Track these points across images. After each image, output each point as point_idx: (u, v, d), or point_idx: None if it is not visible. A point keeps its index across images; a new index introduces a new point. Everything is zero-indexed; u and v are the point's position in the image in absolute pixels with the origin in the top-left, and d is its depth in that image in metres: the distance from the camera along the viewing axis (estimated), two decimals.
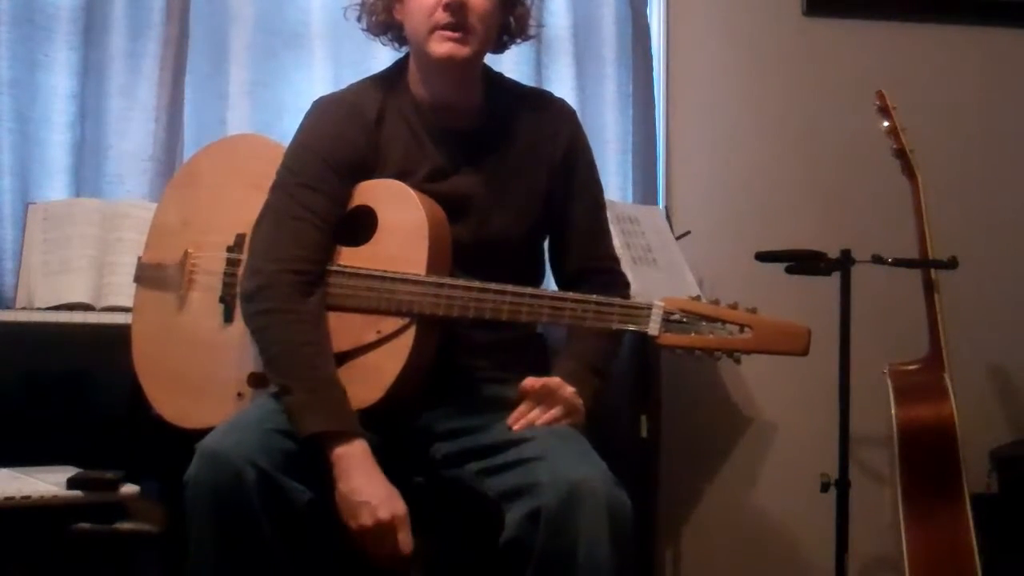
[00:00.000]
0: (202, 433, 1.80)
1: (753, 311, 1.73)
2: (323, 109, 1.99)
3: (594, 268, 2.04)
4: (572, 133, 2.04)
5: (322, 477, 1.74)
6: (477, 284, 1.81)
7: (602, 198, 2.10)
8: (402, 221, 1.86)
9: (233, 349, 1.92)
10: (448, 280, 1.82)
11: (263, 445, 1.69)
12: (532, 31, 2.06)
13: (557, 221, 2.02)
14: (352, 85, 2.04)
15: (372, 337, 1.82)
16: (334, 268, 1.87)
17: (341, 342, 1.83)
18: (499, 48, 2.03)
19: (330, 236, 1.88)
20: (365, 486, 1.72)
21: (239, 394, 1.89)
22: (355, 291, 1.85)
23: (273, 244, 1.86)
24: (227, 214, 2.01)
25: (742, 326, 1.71)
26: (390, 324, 1.82)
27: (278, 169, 1.93)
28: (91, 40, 2.68)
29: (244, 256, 1.93)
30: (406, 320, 1.82)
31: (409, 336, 1.81)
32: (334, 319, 1.84)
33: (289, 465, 1.71)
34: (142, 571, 2.31)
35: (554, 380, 1.84)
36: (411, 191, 1.87)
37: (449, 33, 1.87)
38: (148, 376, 2.01)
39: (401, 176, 1.91)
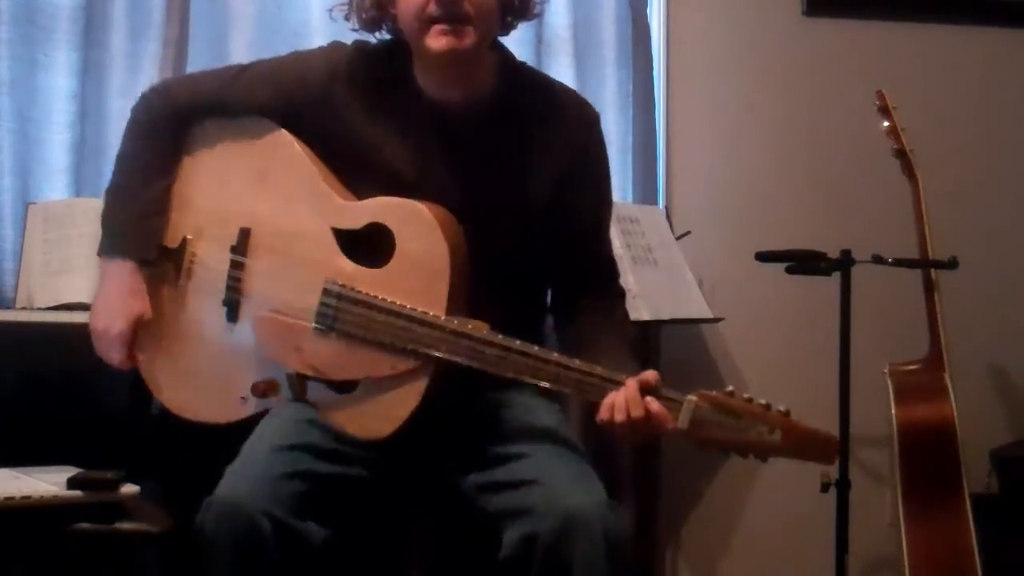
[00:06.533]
0: (202, 426, 1.78)
1: (786, 413, 1.67)
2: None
3: (592, 295, 1.92)
4: (585, 144, 1.89)
5: (337, 512, 1.72)
6: (500, 340, 1.70)
7: (608, 217, 1.96)
8: (422, 253, 1.75)
9: (239, 353, 1.88)
10: (470, 333, 1.71)
11: (276, 493, 1.65)
12: (537, 8, 1.87)
13: (556, 235, 1.89)
14: (361, 50, 1.90)
15: (386, 371, 1.75)
16: (350, 294, 1.78)
17: (353, 370, 1.78)
18: (504, 29, 1.86)
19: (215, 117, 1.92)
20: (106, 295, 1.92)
21: (243, 398, 1.86)
22: (369, 321, 1.76)
23: (176, 83, 2.04)
24: (227, 202, 1.92)
25: (772, 427, 1.66)
26: (405, 362, 1.74)
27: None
28: (91, 40, 2.67)
29: (247, 260, 1.88)
30: (421, 362, 1.74)
31: (424, 379, 1.73)
32: (346, 347, 1.78)
33: (303, 507, 1.67)
34: (142, 571, 2.31)
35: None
36: (434, 220, 1.75)
37: (445, 26, 1.71)
38: (148, 362, 1.96)
39: (391, 176, 1.82)
